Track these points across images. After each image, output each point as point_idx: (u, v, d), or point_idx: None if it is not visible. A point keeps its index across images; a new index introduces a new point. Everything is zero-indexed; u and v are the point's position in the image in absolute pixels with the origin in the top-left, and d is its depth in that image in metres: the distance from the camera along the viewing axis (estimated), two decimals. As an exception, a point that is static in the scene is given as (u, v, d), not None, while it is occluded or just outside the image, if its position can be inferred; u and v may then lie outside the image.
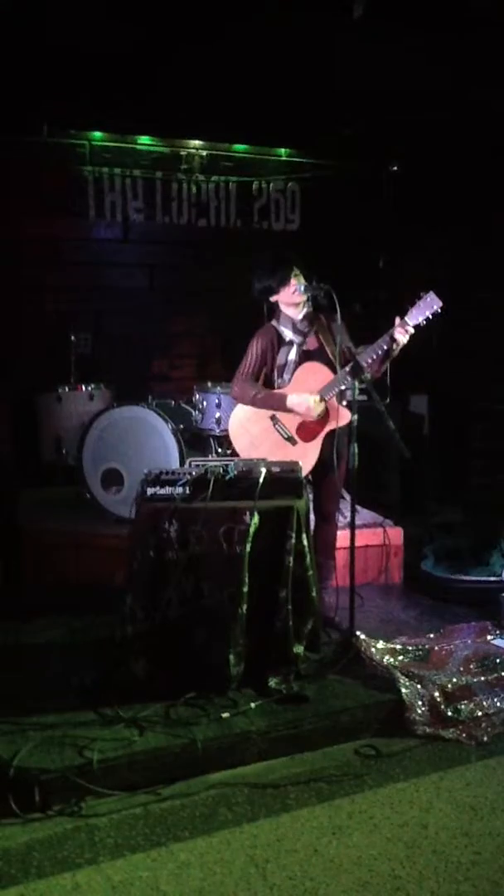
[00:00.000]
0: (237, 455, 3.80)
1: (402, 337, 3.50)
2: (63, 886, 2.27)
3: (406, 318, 3.47)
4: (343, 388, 3.59)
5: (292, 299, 3.64)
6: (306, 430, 3.66)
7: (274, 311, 3.78)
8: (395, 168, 6.64)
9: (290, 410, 3.63)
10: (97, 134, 5.96)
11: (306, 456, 3.59)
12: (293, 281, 3.60)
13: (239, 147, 6.38)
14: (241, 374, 3.77)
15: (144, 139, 6.14)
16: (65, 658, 3.42)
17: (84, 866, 2.34)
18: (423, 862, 2.38)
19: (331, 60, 5.41)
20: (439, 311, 3.45)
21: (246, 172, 6.42)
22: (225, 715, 2.92)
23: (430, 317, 3.46)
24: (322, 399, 3.59)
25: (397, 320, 3.49)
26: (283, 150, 6.53)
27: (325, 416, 3.62)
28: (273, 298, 3.70)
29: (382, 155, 6.53)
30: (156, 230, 6.26)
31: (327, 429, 3.62)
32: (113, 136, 6.01)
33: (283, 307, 3.72)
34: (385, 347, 3.50)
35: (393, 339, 3.49)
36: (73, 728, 2.82)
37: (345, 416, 3.57)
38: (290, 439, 3.67)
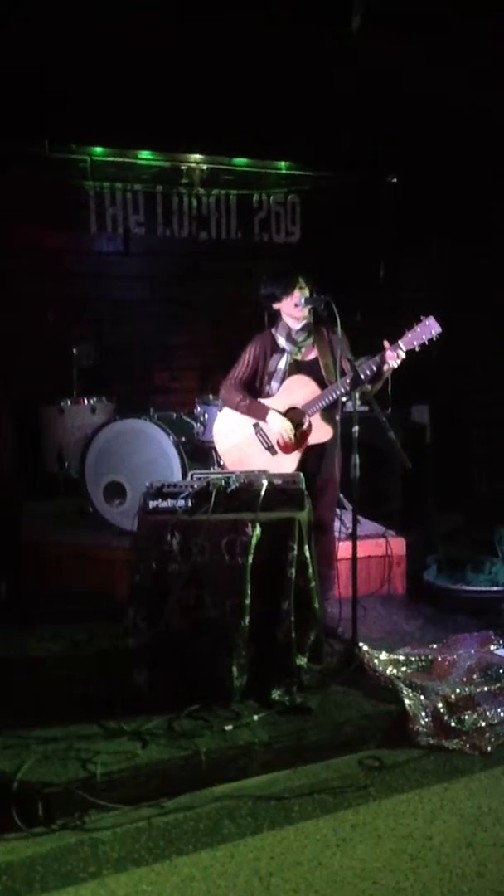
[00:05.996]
0: (220, 457, 3.85)
1: (393, 362, 3.40)
2: (67, 900, 2.27)
3: (399, 342, 3.37)
4: (330, 400, 3.56)
5: (293, 311, 3.65)
6: (287, 443, 3.70)
7: (275, 317, 3.80)
8: (395, 179, 6.69)
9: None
10: (98, 149, 6.01)
11: (282, 468, 3.61)
12: (296, 292, 3.61)
13: (239, 160, 6.43)
14: (231, 379, 3.81)
15: (145, 153, 6.19)
16: (67, 670, 3.41)
17: (88, 880, 2.34)
18: (427, 873, 2.37)
19: (329, 73, 5.47)
20: (435, 337, 3.32)
21: (246, 185, 6.47)
22: (228, 727, 2.91)
23: (427, 342, 3.35)
24: (298, 424, 3.62)
25: (387, 344, 3.39)
26: (282, 163, 6.57)
27: (305, 432, 3.65)
28: (276, 306, 3.72)
29: (381, 166, 6.58)
30: (157, 243, 6.31)
31: (307, 444, 3.66)
32: (113, 151, 6.07)
33: (284, 316, 3.74)
34: (374, 369, 3.43)
35: (384, 362, 3.40)
36: (77, 741, 2.82)
37: (325, 433, 3.62)
38: (269, 449, 3.72)
